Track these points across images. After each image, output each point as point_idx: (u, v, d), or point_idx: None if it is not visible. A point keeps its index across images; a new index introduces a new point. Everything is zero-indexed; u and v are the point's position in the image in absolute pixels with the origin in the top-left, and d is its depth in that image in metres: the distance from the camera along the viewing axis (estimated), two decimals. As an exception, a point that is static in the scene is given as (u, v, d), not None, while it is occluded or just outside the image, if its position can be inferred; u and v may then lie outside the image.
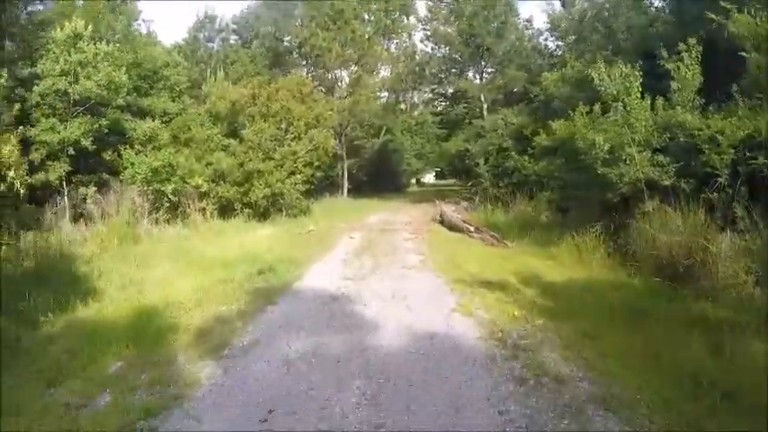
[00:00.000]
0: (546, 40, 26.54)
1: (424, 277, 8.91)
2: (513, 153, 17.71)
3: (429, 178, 60.76)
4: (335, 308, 7.03)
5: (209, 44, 36.32)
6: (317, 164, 20.70)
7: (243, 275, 8.65)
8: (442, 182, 55.54)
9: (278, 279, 8.65)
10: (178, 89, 20.61)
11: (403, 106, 44.92)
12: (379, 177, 35.09)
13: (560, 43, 23.55)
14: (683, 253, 7.69)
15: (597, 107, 11.26)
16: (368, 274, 9.11)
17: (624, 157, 9.67)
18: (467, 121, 29.07)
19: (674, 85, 9.65)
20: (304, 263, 10.05)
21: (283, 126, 19.30)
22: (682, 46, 9.40)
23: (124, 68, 15.66)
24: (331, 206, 24.13)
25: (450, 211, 17.26)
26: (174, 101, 19.88)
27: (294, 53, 34.21)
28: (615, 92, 10.00)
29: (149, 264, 9.49)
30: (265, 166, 17.68)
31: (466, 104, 30.39)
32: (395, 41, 34.64)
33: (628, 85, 9.92)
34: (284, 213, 18.37)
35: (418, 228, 15.78)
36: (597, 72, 10.28)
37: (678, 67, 9.48)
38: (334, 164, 30.98)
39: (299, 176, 18.49)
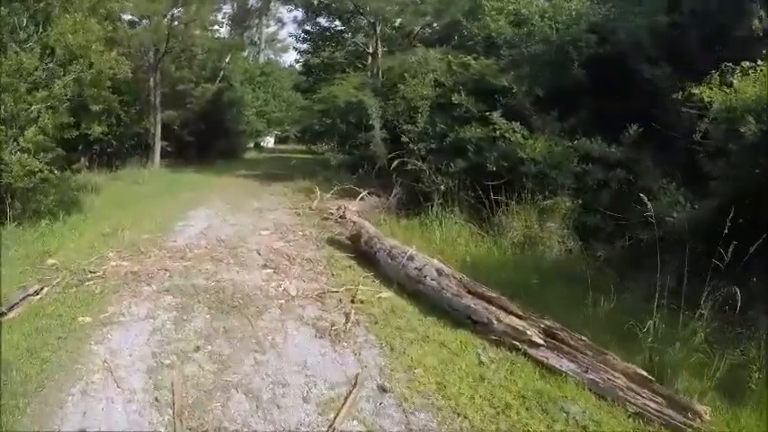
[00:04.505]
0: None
1: None
2: (496, 116, 9.29)
3: (269, 142, 50.68)
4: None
5: None
6: (95, 107, 10.75)
7: None
8: (285, 147, 45.87)
9: None
10: None
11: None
12: (208, 138, 24.84)
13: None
14: None
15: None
16: None
17: None
18: (352, 65, 20.04)
19: None
20: None
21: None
22: None
23: None
24: (129, 188, 14.01)
25: (378, 233, 7.82)
26: None
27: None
28: None
29: None
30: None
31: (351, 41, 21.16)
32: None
33: None
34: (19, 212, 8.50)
35: (319, 288, 6.05)
36: None
37: None
38: (145, 113, 20.47)
39: (31, 132, 8.25)
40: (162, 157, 20.72)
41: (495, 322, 4.78)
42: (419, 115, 11.22)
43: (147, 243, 7.73)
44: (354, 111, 15.00)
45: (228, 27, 29.83)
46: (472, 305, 5.00)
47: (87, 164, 16.90)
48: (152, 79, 20.10)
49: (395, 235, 8.18)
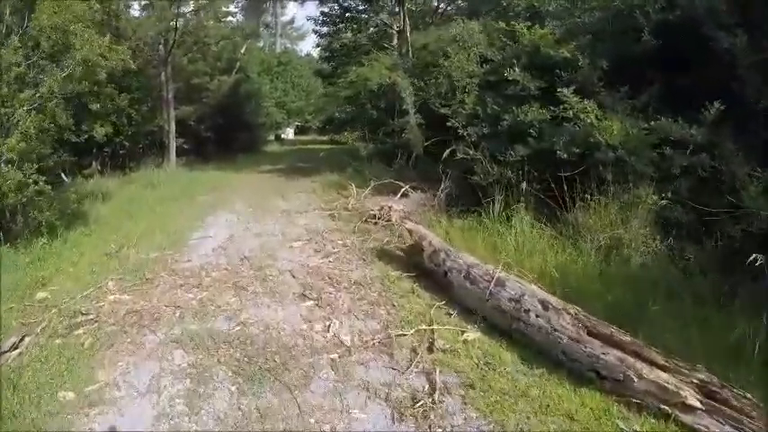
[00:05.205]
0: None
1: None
2: (568, 93, 7.64)
3: (289, 134, 49.29)
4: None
5: None
6: (95, 106, 9.37)
7: None
8: (306, 138, 44.34)
9: None
10: None
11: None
12: (227, 132, 23.47)
13: None
14: None
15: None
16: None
17: None
18: (377, 46, 18.49)
19: None
20: None
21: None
22: None
23: None
24: (142, 192, 12.63)
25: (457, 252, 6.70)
26: None
27: None
28: None
29: None
30: None
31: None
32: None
33: None
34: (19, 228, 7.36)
35: (379, 330, 4.52)
36: None
37: None
38: (158, 110, 19.10)
39: (14, 139, 6.81)
40: (178, 155, 19.38)
41: (634, 379, 3.33)
42: (466, 95, 9.69)
43: (155, 264, 6.34)
44: (386, 94, 13.50)
45: (242, 16, 28.44)
46: (601, 355, 3.52)
47: (99, 168, 15.69)
48: (163, 74, 18.75)
49: (452, 240, 6.77)
